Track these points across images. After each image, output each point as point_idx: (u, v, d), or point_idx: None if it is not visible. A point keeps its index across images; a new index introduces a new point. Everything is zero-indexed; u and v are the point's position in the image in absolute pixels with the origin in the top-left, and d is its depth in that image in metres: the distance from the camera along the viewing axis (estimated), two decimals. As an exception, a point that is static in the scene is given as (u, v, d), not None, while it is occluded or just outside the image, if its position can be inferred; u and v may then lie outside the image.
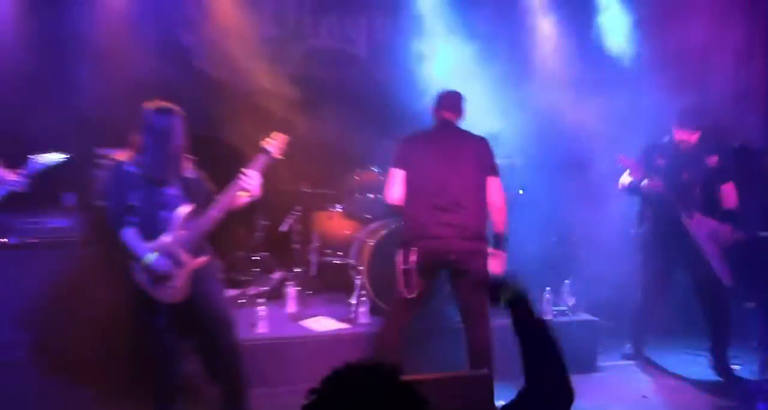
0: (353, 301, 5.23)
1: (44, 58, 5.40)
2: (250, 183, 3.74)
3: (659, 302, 5.19)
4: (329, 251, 5.84)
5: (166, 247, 3.63)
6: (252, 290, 5.74)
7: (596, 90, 5.86)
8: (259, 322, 4.86)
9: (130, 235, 3.62)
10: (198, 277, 3.72)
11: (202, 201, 3.76)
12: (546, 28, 6.55)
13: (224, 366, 3.90)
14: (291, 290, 5.45)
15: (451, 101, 4.40)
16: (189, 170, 3.80)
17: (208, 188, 3.86)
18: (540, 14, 6.56)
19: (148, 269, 3.60)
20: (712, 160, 4.92)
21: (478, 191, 4.23)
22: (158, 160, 3.64)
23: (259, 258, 5.96)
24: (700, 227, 4.87)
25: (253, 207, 5.70)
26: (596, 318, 5.38)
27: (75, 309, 4.41)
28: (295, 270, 5.92)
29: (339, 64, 6.70)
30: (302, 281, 5.82)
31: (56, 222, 5.02)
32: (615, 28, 6.51)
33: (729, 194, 4.95)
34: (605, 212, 5.61)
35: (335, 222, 5.87)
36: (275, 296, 5.62)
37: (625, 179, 5.11)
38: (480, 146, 4.31)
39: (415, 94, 5.53)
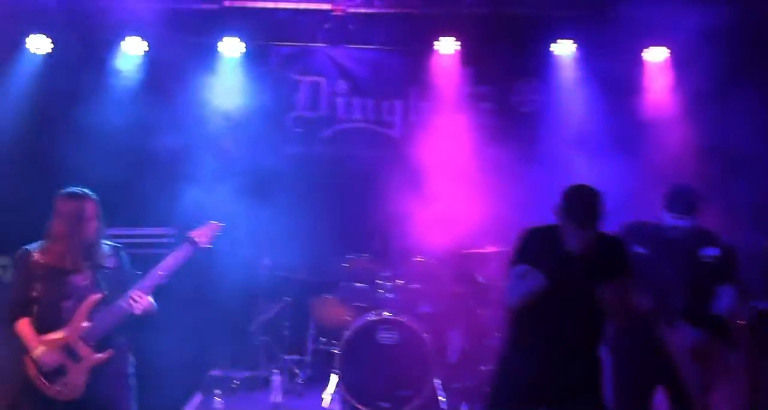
0: (325, 396, 4.98)
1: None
2: (136, 306, 3.58)
3: None
4: (324, 338, 5.63)
5: (62, 340, 3.51)
6: (245, 375, 5.66)
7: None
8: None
9: (23, 326, 3.53)
10: (100, 372, 3.55)
11: (117, 291, 3.61)
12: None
13: None
14: (276, 378, 5.30)
15: None
16: (109, 257, 3.68)
17: (129, 277, 3.70)
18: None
19: (37, 364, 3.48)
20: (709, 254, 3.88)
21: None
22: (66, 247, 3.55)
23: (258, 343, 5.83)
24: (683, 338, 3.86)
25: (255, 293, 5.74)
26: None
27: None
28: (288, 357, 5.73)
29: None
30: (297, 368, 5.67)
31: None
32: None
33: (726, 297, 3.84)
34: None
35: (331, 309, 5.65)
36: (265, 383, 5.50)
37: None
38: None
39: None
